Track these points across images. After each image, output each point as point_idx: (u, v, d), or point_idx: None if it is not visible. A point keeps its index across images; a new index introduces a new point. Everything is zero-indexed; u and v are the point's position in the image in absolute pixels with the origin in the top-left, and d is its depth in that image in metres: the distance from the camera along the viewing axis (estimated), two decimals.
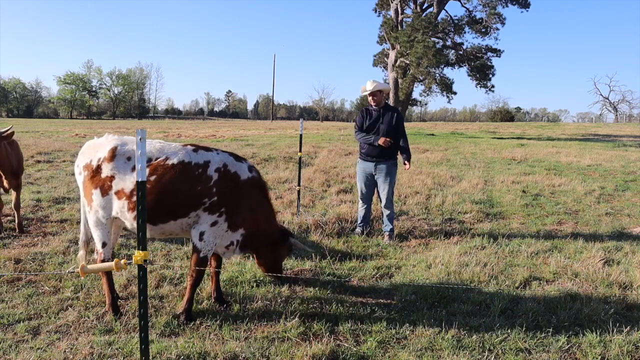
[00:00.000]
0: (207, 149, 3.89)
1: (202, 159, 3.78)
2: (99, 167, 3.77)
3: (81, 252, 4.24)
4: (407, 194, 8.88)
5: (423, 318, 3.83)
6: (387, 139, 6.06)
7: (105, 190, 3.74)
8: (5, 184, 6.14)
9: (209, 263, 4.12)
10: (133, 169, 3.67)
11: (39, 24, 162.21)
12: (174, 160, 3.70)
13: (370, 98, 6.24)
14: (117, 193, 3.71)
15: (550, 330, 3.66)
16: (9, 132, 5.92)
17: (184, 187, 3.68)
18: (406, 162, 6.35)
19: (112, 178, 3.71)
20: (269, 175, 10.84)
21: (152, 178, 3.63)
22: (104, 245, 3.86)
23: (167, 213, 3.71)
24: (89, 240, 4.22)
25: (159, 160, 3.70)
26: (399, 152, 6.37)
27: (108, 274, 3.88)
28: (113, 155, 3.74)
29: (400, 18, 31.08)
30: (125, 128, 32.60)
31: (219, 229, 3.79)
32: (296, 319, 3.76)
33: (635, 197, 9.22)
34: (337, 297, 4.28)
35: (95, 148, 3.88)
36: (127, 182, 3.67)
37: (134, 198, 3.62)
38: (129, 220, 3.73)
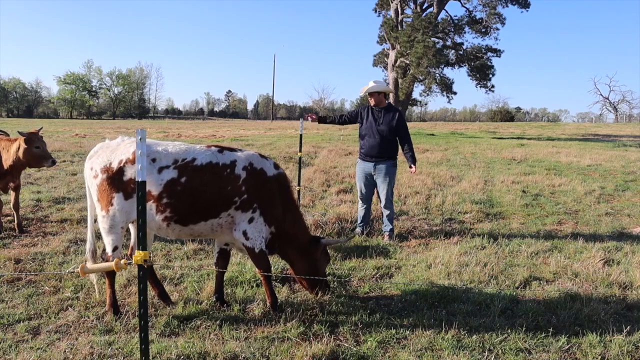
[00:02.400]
0: (232, 149, 3.94)
1: (229, 159, 3.81)
2: (120, 170, 3.66)
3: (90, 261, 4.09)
4: (407, 194, 8.88)
5: (423, 318, 3.84)
6: (311, 115, 6.60)
7: (128, 194, 3.65)
8: (11, 185, 6.14)
9: (215, 263, 4.18)
10: (159, 170, 3.65)
11: (39, 24, 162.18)
12: (202, 162, 3.72)
13: (369, 98, 6.25)
14: None
15: (550, 330, 3.66)
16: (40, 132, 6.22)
17: (212, 188, 3.70)
18: (412, 165, 6.31)
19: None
20: None
21: (182, 180, 3.64)
22: (115, 249, 3.79)
23: (197, 214, 3.72)
24: (96, 249, 4.11)
25: (186, 161, 3.71)
26: (401, 154, 6.35)
27: (112, 275, 3.86)
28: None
29: (400, 18, 31.07)
30: (125, 128, 32.62)
31: (257, 223, 3.86)
32: (296, 319, 3.76)
33: (635, 197, 9.22)
34: (337, 297, 4.28)
35: (113, 150, 3.78)
36: (154, 184, 3.64)
37: (163, 200, 3.63)
38: (156, 222, 3.71)
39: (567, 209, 8.14)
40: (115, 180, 3.66)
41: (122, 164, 3.67)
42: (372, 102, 6.25)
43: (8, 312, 3.85)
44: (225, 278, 4.60)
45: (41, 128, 6.60)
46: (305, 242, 4.12)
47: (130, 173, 3.64)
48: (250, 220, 3.83)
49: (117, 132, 26.90)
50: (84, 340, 3.41)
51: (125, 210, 3.70)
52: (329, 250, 4.49)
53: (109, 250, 3.81)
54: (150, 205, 3.66)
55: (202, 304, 4.08)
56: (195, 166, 3.70)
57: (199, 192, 3.68)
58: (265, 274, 3.93)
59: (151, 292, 4.10)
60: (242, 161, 3.83)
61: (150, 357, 3.11)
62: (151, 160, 3.65)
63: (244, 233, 3.83)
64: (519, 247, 5.81)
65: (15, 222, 6.17)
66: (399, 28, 30.52)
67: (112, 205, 3.67)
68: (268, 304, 4.00)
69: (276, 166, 4.05)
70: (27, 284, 4.45)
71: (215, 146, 3.91)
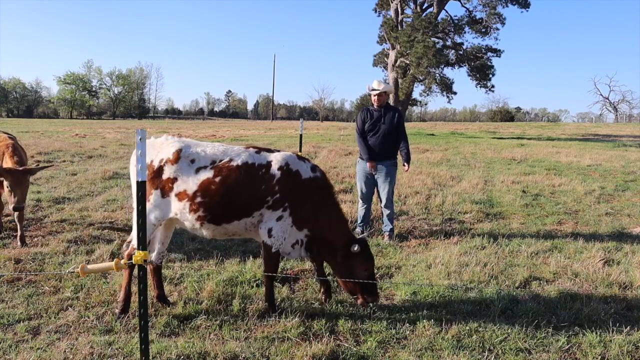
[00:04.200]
0: (269, 150, 3.97)
1: (265, 159, 3.85)
2: (160, 169, 3.77)
3: (152, 255, 4.11)
4: (407, 194, 8.88)
5: (423, 318, 3.83)
6: (373, 164, 6.14)
7: (165, 192, 3.74)
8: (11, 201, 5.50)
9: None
10: (197, 171, 3.72)
11: (39, 24, 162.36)
12: (237, 162, 3.76)
13: (375, 98, 6.24)
14: (178, 195, 3.72)
15: (550, 330, 3.67)
16: (46, 167, 5.90)
17: (248, 188, 3.73)
18: (405, 163, 6.34)
19: (174, 180, 3.73)
20: None
21: (217, 179, 3.69)
22: None
23: (231, 213, 3.76)
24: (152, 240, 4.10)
25: (223, 162, 3.75)
26: (398, 153, 6.36)
27: (131, 271, 3.86)
28: (178, 157, 3.75)
29: (400, 18, 31.05)
30: (125, 128, 32.61)
31: (284, 223, 3.84)
32: (296, 319, 3.76)
33: (635, 197, 9.22)
34: (337, 297, 4.28)
35: (156, 148, 3.86)
36: (190, 184, 3.70)
37: (197, 199, 3.68)
38: (190, 221, 3.76)
39: (567, 209, 8.14)
40: (155, 177, 3.75)
41: (162, 163, 3.77)
42: (377, 101, 6.23)
43: (8, 312, 3.85)
44: (225, 278, 4.60)
45: (46, 167, 6.43)
46: (342, 246, 3.98)
47: (168, 172, 3.73)
48: (279, 219, 3.83)
49: (117, 132, 26.92)
50: (84, 340, 3.41)
51: (161, 208, 3.76)
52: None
53: (136, 243, 3.82)
54: (185, 205, 3.70)
55: (202, 304, 4.08)
56: (232, 166, 3.73)
57: (234, 193, 3.71)
58: (268, 274, 3.91)
59: (151, 292, 4.10)
60: (278, 161, 3.84)
61: (150, 357, 3.12)
62: (190, 161, 3.74)
63: (269, 230, 3.83)
64: (519, 247, 5.81)
65: (18, 234, 5.68)
66: (399, 28, 30.50)
67: (148, 201, 3.73)
68: (264, 303, 4.01)
69: (313, 169, 4.01)
70: (27, 284, 4.45)
71: (254, 147, 3.94)
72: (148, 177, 3.73)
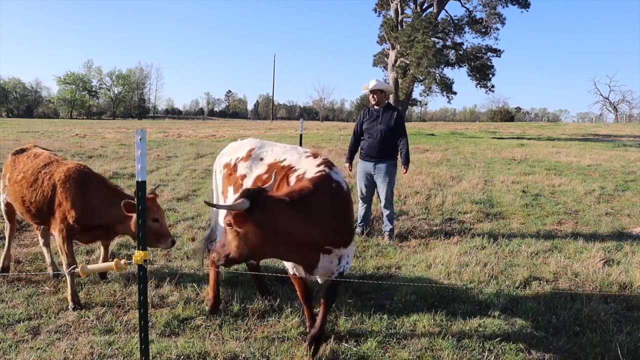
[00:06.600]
0: (314, 155, 3.84)
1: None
2: (235, 166, 3.98)
3: (201, 247, 4.42)
4: (407, 194, 8.88)
5: (423, 318, 3.84)
6: (349, 167, 6.56)
7: (237, 188, 3.87)
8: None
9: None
10: (258, 168, 3.84)
11: (39, 24, 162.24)
12: (285, 163, 3.73)
13: (371, 96, 6.24)
14: None
15: (550, 330, 3.67)
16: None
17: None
18: (404, 166, 6.27)
19: (244, 176, 3.87)
20: None
21: (265, 177, 3.70)
22: None
23: None
24: (212, 238, 4.32)
25: (276, 161, 3.78)
26: (398, 154, 6.35)
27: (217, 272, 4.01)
28: (249, 155, 3.94)
29: (400, 18, 31.04)
30: (125, 128, 32.59)
31: None
32: (296, 319, 3.76)
33: (635, 197, 9.22)
34: (337, 298, 4.27)
35: (236, 149, 4.11)
36: (251, 180, 3.81)
37: None
38: None
39: (567, 209, 8.14)
40: (231, 175, 3.96)
41: (237, 161, 3.98)
42: (372, 100, 6.24)
43: (8, 312, 3.85)
44: (225, 278, 4.60)
45: (156, 188, 4.56)
46: None
47: (241, 169, 3.92)
48: None
49: (117, 132, 26.91)
50: (84, 340, 3.41)
51: None
52: None
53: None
54: None
55: (202, 303, 4.08)
56: (279, 167, 3.68)
57: None
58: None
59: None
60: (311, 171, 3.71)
61: (150, 357, 3.12)
62: (259, 159, 3.89)
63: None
64: (519, 247, 5.81)
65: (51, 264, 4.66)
66: (399, 28, 30.49)
67: (226, 197, 3.96)
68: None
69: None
70: (27, 284, 4.45)
71: (305, 150, 3.83)
72: (226, 174, 4.03)
